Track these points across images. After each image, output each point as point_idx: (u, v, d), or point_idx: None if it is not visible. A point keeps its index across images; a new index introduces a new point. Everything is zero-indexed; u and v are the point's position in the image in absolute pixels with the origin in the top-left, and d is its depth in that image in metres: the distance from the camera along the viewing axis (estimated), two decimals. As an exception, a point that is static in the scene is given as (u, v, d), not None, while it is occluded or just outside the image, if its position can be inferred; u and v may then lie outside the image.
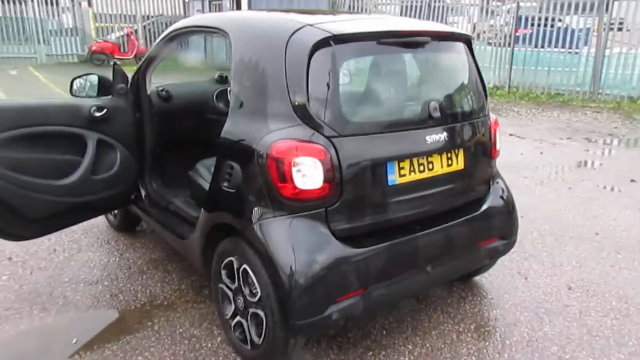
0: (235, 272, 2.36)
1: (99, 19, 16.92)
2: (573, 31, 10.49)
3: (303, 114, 2.11)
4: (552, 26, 10.74)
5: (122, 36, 15.99)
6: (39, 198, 2.67)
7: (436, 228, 2.41)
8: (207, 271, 2.63)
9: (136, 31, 16.44)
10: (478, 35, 11.79)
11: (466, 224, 2.54)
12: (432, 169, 2.37)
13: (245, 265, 2.28)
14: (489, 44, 11.67)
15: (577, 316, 2.83)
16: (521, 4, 11.08)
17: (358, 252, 2.17)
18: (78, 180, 2.80)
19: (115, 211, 3.77)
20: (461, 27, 12.03)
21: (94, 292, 3.06)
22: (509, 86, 11.04)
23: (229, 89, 3.26)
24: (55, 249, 3.61)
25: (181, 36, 2.99)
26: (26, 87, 11.31)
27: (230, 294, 2.47)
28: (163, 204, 3.16)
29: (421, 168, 2.33)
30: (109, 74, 3.22)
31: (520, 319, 2.80)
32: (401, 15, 13.18)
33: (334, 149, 2.10)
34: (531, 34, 10.96)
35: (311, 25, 2.22)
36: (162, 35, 3.02)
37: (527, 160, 6.07)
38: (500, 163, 2.89)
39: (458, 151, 2.47)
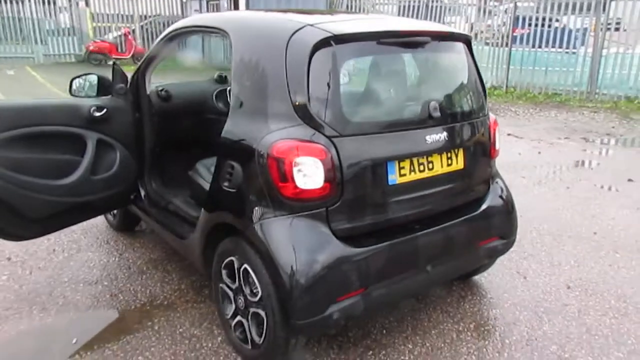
0: (236, 271, 2.37)
1: (96, 18, 16.89)
2: (570, 31, 10.53)
3: (304, 114, 2.12)
4: (549, 26, 10.77)
5: (120, 36, 15.94)
6: (38, 198, 2.67)
7: (436, 228, 2.41)
8: (208, 271, 2.63)
9: (133, 31, 16.40)
10: (476, 35, 11.78)
11: (466, 223, 2.55)
12: (432, 168, 2.38)
13: (245, 265, 2.28)
14: (487, 44, 11.68)
15: (576, 315, 2.85)
16: (518, 4, 11.10)
17: (358, 251, 2.18)
18: (78, 180, 2.80)
19: (115, 211, 3.77)
20: (459, 27, 12.05)
21: (94, 292, 3.06)
22: (507, 86, 11.06)
23: (228, 89, 3.27)
24: (55, 249, 3.61)
25: (181, 36, 2.99)
26: (23, 87, 11.27)
27: (230, 293, 2.47)
28: (163, 204, 3.16)
29: (421, 168, 2.34)
30: (106, 74, 3.22)
31: (520, 318, 2.81)
32: (399, 15, 13.20)
33: (335, 148, 2.10)
34: (529, 34, 10.98)
35: (312, 25, 2.23)
36: (161, 35, 3.02)
37: (525, 160, 6.08)
38: (499, 163, 2.90)
39: (458, 151, 2.48)
